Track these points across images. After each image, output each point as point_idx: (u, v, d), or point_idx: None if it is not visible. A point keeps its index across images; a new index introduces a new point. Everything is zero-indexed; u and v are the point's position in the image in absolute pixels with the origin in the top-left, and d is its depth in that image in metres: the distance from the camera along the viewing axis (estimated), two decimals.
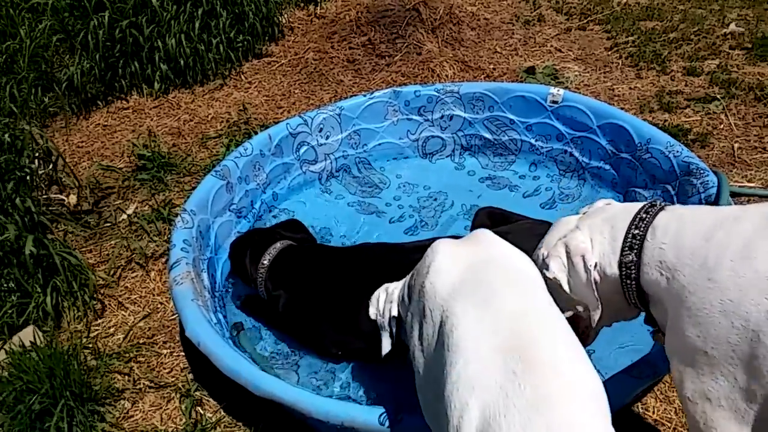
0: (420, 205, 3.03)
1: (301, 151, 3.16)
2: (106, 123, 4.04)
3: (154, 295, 2.76)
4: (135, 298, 2.75)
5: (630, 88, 3.84)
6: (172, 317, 2.63)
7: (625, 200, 2.89)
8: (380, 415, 1.73)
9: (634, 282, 1.39)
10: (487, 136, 3.26)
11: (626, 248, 1.40)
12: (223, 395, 2.24)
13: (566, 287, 1.46)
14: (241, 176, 2.88)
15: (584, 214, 1.58)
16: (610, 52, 4.29)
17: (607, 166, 2.94)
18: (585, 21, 4.74)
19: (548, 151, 3.13)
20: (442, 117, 3.28)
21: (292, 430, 2.10)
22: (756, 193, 2.75)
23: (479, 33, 4.62)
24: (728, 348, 1.17)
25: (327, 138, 3.22)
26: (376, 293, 1.85)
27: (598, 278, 1.43)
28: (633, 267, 1.39)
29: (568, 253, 1.44)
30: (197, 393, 2.28)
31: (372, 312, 1.82)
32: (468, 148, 3.31)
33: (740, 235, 1.22)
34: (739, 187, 2.85)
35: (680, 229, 1.32)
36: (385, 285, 1.82)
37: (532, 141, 3.17)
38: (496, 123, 3.23)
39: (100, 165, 3.48)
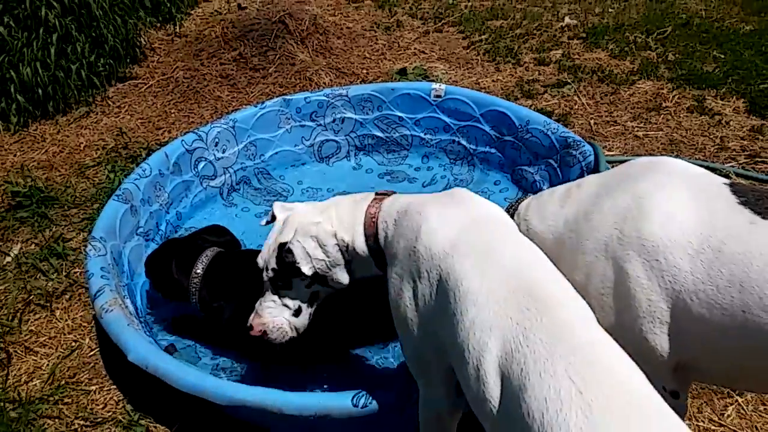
0: None
1: (200, 166, 3.11)
2: None
3: (64, 334, 2.59)
4: (44, 341, 2.56)
5: (493, 81, 4.20)
6: (91, 353, 2.49)
7: (512, 179, 3.19)
8: (353, 398, 1.80)
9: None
10: (379, 134, 3.42)
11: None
12: (172, 418, 2.18)
13: None
14: (143, 198, 2.79)
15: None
16: (468, 51, 4.65)
17: (493, 150, 3.22)
18: (440, 24, 5.09)
19: (437, 143, 3.36)
20: (334, 120, 3.39)
21: None
22: (627, 159, 3.18)
23: (345, 41, 4.79)
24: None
25: (224, 152, 3.20)
26: (298, 250, 1.78)
27: None
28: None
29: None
30: (143, 422, 2.19)
31: (308, 268, 1.77)
32: (362, 148, 3.45)
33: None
34: (612, 156, 3.25)
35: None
36: (304, 234, 1.79)
37: (422, 135, 3.38)
38: (386, 121, 3.40)
39: None
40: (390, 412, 1.83)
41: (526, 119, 3.06)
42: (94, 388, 2.36)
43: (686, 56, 4.29)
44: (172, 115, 4.06)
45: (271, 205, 2.46)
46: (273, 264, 1.80)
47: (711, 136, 3.48)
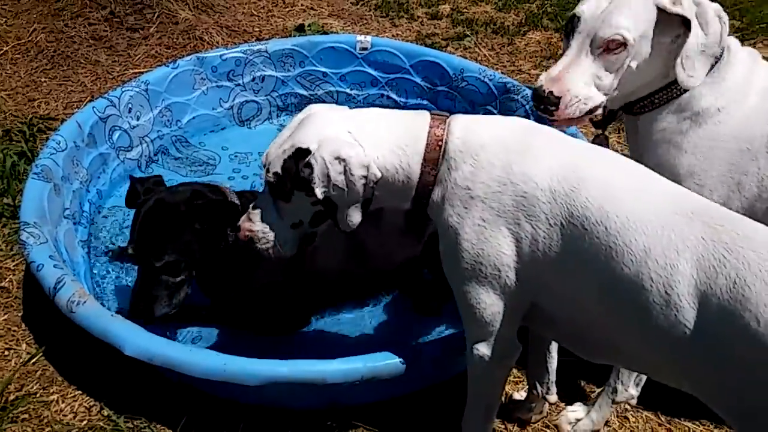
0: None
1: (115, 137, 2.74)
2: None
3: None
4: None
5: (393, 35, 4.16)
6: (36, 360, 2.12)
7: None
8: (399, 354, 1.72)
9: None
10: (302, 92, 3.24)
11: None
12: (170, 414, 1.93)
13: None
14: (64, 175, 2.39)
15: None
16: (358, 6, 4.54)
17: (425, 101, 3.20)
18: None
19: (365, 98, 3.27)
20: (253, 79, 3.15)
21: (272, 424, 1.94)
22: None
23: None
24: None
25: (138, 119, 2.84)
26: (319, 167, 1.47)
27: None
28: None
29: None
30: (132, 424, 1.91)
31: (321, 191, 1.48)
32: (284, 108, 3.25)
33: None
34: None
35: None
36: (328, 150, 1.47)
37: (348, 90, 3.26)
38: (309, 78, 3.23)
39: None
40: (435, 366, 1.78)
41: (460, 68, 3.08)
42: (54, 397, 2.01)
43: (562, 8, 4.57)
44: (44, 84, 3.50)
45: (200, 175, 2.22)
46: (277, 168, 1.51)
47: None
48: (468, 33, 4.16)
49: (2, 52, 3.71)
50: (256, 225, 1.58)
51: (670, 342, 1.25)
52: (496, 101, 2.99)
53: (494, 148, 1.46)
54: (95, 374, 2.06)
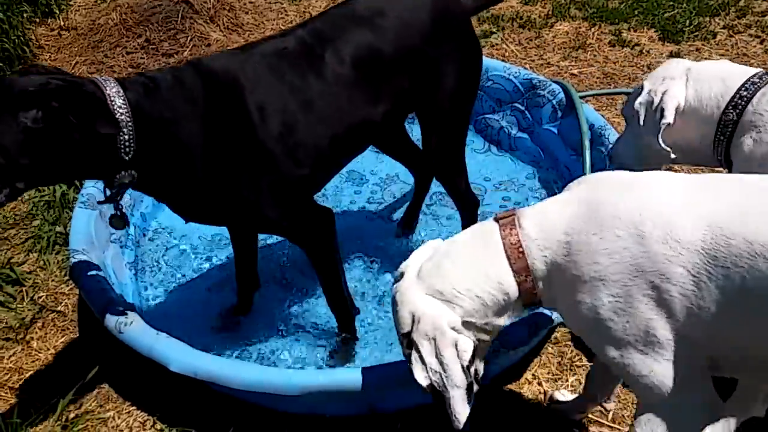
0: None
1: None
2: None
3: (50, 365, 2.31)
4: (28, 377, 2.27)
5: None
6: (90, 378, 2.23)
7: (475, 128, 3.21)
8: None
9: (725, 140, 1.71)
10: None
11: (730, 107, 1.68)
12: (220, 425, 2.01)
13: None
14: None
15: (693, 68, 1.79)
16: None
17: None
18: None
19: None
20: None
21: None
22: (598, 93, 3.33)
23: (255, 16, 4.56)
24: None
25: None
26: (418, 356, 1.43)
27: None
28: (730, 125, 1.69)
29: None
30: None
31: (424, 379, 1.42)
32: None
33: None
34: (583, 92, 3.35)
35: None
36: (421, 335, 1.42)
37: None
38: None
39: None
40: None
41: (485, 67, 3.06)
42: (110, 414, 2.13)
43: None
44: None
45: None
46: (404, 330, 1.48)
47: (638, 65, 3.71)
48: (495, 30, 4.15)
49: None
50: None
51: None
52: (522, 98, 2.98)
53: (577, 227, 1.35)
54: (147, 390, 2.16)
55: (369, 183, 2.97)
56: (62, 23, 4.45)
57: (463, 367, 1.38)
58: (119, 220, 1.83)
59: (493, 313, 1.44)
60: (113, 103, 1.55)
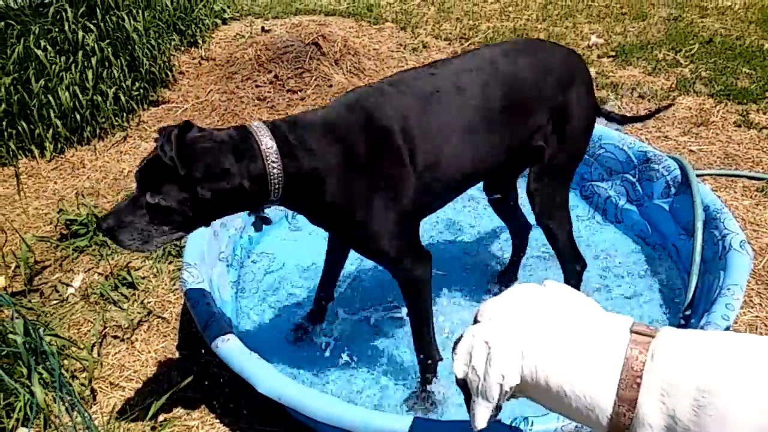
0: None
1: None
2: None
3: (149, 367, 2.46)
4: (129, 375, 2.44)
5: None
6: (183, 386, 2.36)
7: (581, 194, 3.18)
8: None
9: None
10: None
11: None
12: None
13: None
14: (223, 222, 2.69)
15: None
16: None
17: None
18: (466, 44, 5.12)
19: None
20: None
21: None
22: (718, 173, 3.21)
23: (376, 62, 4.78)
24: None
25: None
26: (466, 341, 1.33)
27: None
28: None
29: None
30: None
31: (461, 369, 1.33)
32: None
33: None
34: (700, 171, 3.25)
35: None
36: (484, 332, 1.30)
37: None
38: None
39: (24, 239, 3.01)
40: None
41: (597, 135, 3.05)
42: (195, 423, 2.24)
43: (718, 72, 4.37)
44: None
45: None
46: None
47: (764, 149, 3.54)
48: (612, 98, 4.10)
49: (184, 108, 4.27)
50: None
51: None
52: (635, 170, 2.92)
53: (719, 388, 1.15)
54: (234, 404, 2.26)
55: (465, 234, 3.01)
56: (203, 53, 4.86)
57: (501, 388, 1.27)
58: (260, 222, 2.00)
59: (567, 409, 1.27)
60: (267, 158, 1.76)
